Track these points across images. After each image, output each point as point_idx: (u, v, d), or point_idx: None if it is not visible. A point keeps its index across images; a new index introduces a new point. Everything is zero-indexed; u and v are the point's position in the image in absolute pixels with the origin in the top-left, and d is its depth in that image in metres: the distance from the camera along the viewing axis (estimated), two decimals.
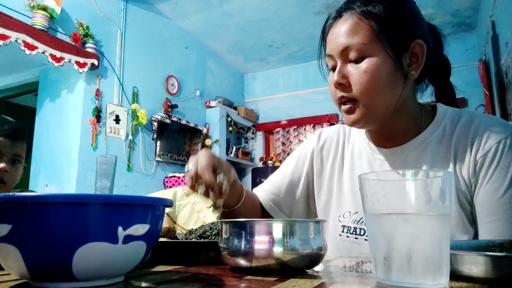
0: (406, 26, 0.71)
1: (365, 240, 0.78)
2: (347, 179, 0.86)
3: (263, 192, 0.95)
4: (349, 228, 0.81)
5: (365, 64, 0.69)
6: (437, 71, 0.81)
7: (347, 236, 0.81)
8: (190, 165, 0.71)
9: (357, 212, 0.81)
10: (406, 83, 0.73)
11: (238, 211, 0.81)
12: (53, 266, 0.35)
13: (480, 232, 0.69)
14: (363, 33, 0.69)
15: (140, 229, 0.38)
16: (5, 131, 1.12)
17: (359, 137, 0.87)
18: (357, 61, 0.70)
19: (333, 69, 0.74)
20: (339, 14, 0.74)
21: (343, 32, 0.71)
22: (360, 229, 0.79)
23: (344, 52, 0.70)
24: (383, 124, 0.76)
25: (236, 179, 0.80)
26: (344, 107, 0.73)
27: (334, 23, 0.74)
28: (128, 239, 0.37)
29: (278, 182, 0.94)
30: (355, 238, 0.79)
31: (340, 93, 0.72)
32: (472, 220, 0.71)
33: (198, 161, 0.70)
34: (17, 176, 1.18)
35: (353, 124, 0.74)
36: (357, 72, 0.69)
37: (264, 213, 0.94)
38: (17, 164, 1.17)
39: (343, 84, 0.71)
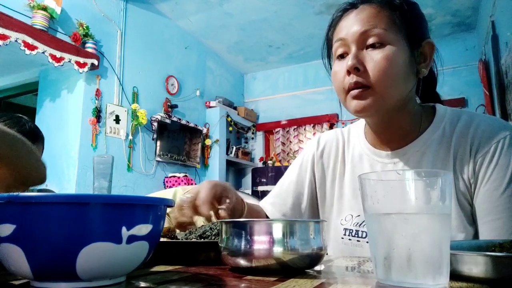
0: (420, 23, 0.74)
1: (367, 242, 0.77)
2: (348, 182, 0.85)
3: (270, 205, 0.94)
4: (351, 231, 0.81)
5: (385, 51, 0.67)
6: (424, 82, 0.79)
7: (349, 239, 0.81)
8: (189, 196, 0.71)
9: (359, 215, 0.81)
10: (416, 79, 0.74)
11: None
12: (57, 266, 0.35)
13: (480, 231, 0.69)
14: (385, 20, 0.69)
15: (143, 229, 0.38)
16: (25, 132, 1.11)
17: (359, 140, 0.87)
18: (376, 47, 0.68)
19: (341, 56, 0.73)
20: (353, 6, 0.73)
21: (361, 18, 0.70)
22: (362, 231, 0.79)
23: (362, 37, 0.69)
24: (387, 121, 0.76)
25: (237, 197, 0.81)
26: (354, 91, 0.69)
27: (348, 13, 0.73)
28: (131, 239, 0.37)
29: (284, 193, 0.94)
30: (357, 240, 0.79)
31: (354, 78, 0.68)
32: (472, 220, 0.71)
33: (198, 193, 0.71)
34: None
35: (361, 110, 0.70)
36: (376, 58, 0.67)
37: None
38: None
39: (358, 69, 0.68)
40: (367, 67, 0.68)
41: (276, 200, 0.94)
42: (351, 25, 0.70)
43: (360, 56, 0.69)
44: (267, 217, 0.93)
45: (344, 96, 0.72)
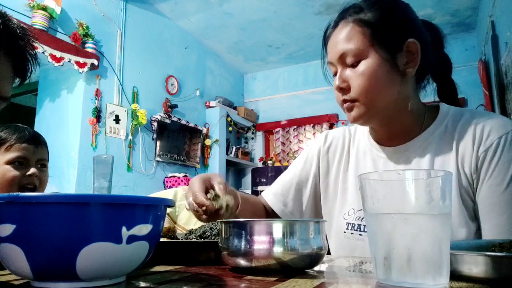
0: (398, 28, 0.74)
1: None
2: (352, 177, 0.88)
3: (272, 195, 0.96)
4: (353, 225, 0.83)
5: (361, 67, 0.73)
6: (438, 69, 0.83)
7: (352, 233, 0.83)
8: (189, 199, 0.72)
9: (361, 210, 0.82)
10: (404, 81, 0.75)
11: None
12: (57, 266, 0.35)
13: (483, 228, 0.70)
14: (357, 39, 0.73)
15: (144, 229, 0.38)
16: (27, 137, 1.13)
17: (363, 136, 0.90)
18: (354, 65, 0.74)
19: (336, 75, 0.79)
20: (336, 24, 0.79)
21: (339, 40, 0.76)
22: (364, 225, 0.81)
23: (342, 58, 0.75)
24: (387, 121, 0.79)
25: (230, 190, 0.80)
26: (345, 105, 0.78)
27: (333, 32, 0.79)
28: (131, 239, 0.37)
29: (287, 184, 0.96)
30: (359, 234, 0.81)
31: (341, 97, 0.77)
32: (474, 216, 0.72)
33: (192, 192, 0.72)
34: (45, 180, 1.19)
35: (354, 120, 0.77)
36: (354, 75, 0.74)
37: (269, 215, 0.95)
38: (43, 169, 1.19)
39: (344, 88, 0.76)
40: (350, 84, 0.75)
41: (278, 190, 0.96)
42: (333, 47, 0.77)
43: (344, 76, 0.76)
44: (265, 207, 0.95)
45: (342, 108, 0.80)
